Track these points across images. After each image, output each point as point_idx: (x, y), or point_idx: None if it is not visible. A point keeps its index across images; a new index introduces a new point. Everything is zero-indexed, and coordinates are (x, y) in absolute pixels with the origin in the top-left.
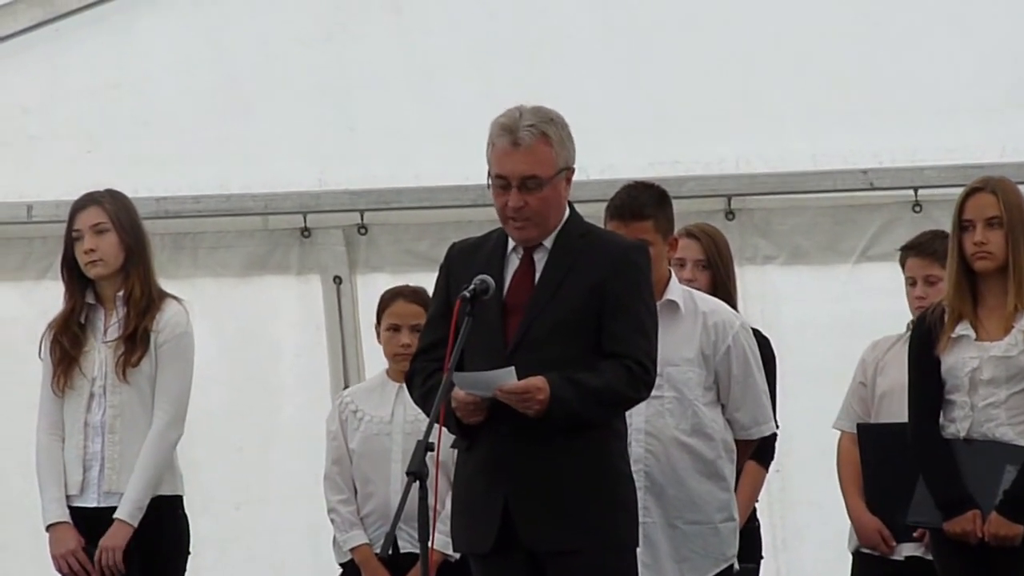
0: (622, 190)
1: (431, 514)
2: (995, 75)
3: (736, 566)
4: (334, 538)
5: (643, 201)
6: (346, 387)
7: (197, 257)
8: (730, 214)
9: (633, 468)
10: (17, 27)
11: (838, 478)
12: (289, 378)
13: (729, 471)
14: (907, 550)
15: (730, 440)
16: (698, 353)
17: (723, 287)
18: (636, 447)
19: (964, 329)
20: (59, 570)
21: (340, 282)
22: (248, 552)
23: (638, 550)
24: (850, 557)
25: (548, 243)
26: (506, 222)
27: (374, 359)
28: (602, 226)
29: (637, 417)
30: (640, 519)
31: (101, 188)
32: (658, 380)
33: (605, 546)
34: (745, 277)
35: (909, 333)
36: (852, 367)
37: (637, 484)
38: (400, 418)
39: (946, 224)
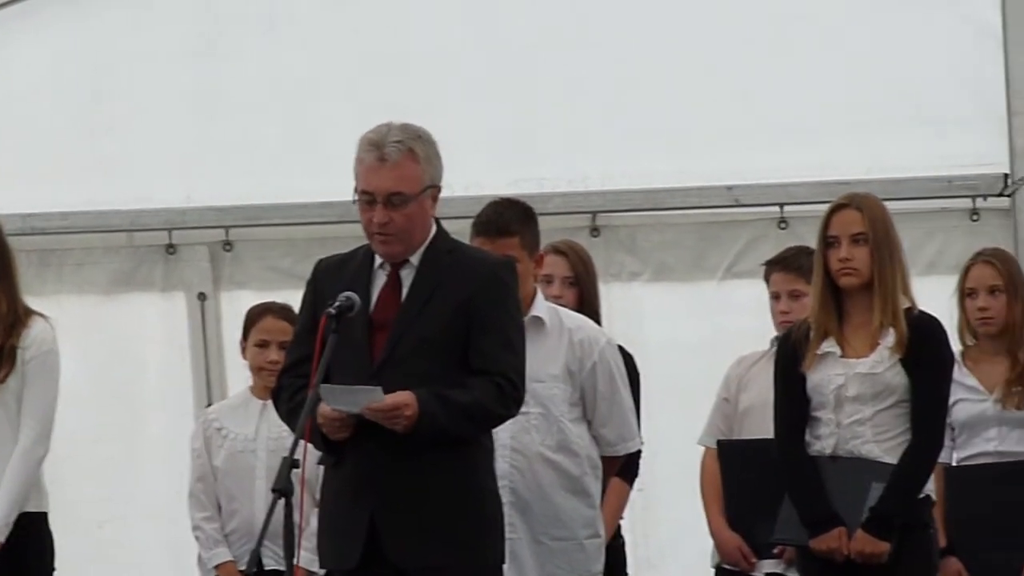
0: (488, 207)
1: (296, 531)
2: (861, 93)
3: None
4: (199, 555)
5: (509, 218)
6: (209, 405)
7: (63, 274)
8: (595, 231)
9: (499, 484)
10: None
11: (701, 494)
12: (153, 395)
13: (595, 487)
14: (767, 566)
15: (596, 457)
16: (564, 369)
17: (589, 304)
18: (502, 463)
19: (830, 346)
20: None
21: (204, 299)
22: (112, 570)
23: (504, 567)
24: (712, 574)
25: (415, 260)
26: (371, 238)
27: (237, 376)
28: (468, 243)
29: (503, 433)
30: (506, 535)
31: None
32: (524, 396)
33: (471, 563)
34: (611, 294)
35: (774, 349)
36: (717, 384)
37: (503, 500)
38: (264, 435)
39: (811, 240)
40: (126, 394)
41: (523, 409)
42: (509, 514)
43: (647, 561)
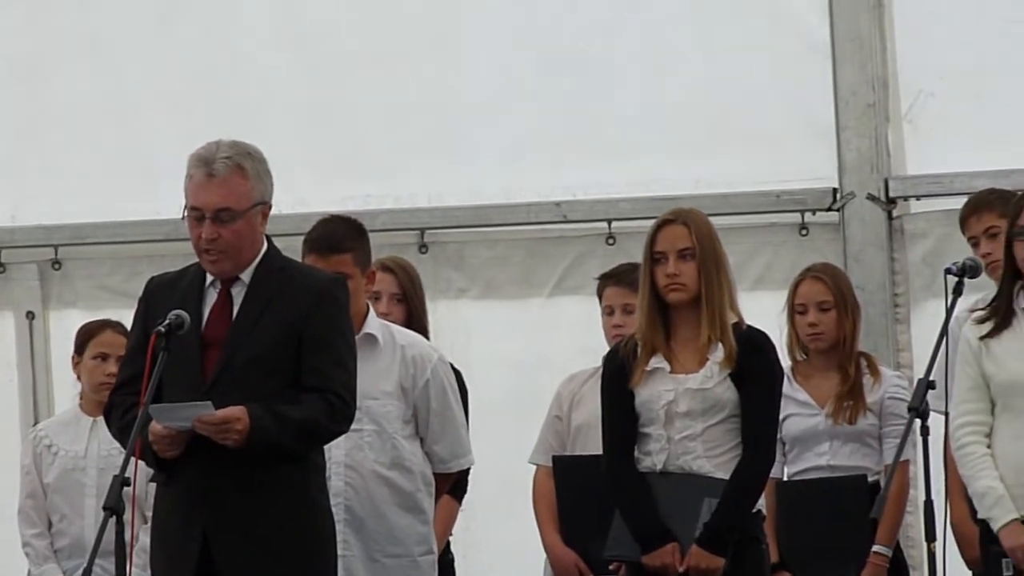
0: (319, 224)
1: (128, 548)
2: (689, 108)
3: None
4: (28, 572)
5: (340, 235)
6: (36, 424)
7: None
8: (423, 247)
9: (333, 502)
10: None
11: (534, 512)
12: None
13: (428, 504)
14: None
15: (429, 473)
16: (397, 386)
17: (418, 320)
18: (336, 480)
19: (658, 362)
20: None
21: (33, 317)
22: None
23: None
24: None
25: (246, 277)
26: (200, 254)
27: (65, 395)
28: (299, 260)
29: (337, 450)
30: (340, 552)
31: None
32: (358, 414)
33: None
34: (437, 310)
35: None
36: (542, 402)
37: (337, 518)
38: (94, 452)
39: (638, 256)
40: None
41: (357, 426)
42: (343, 531)
43: None
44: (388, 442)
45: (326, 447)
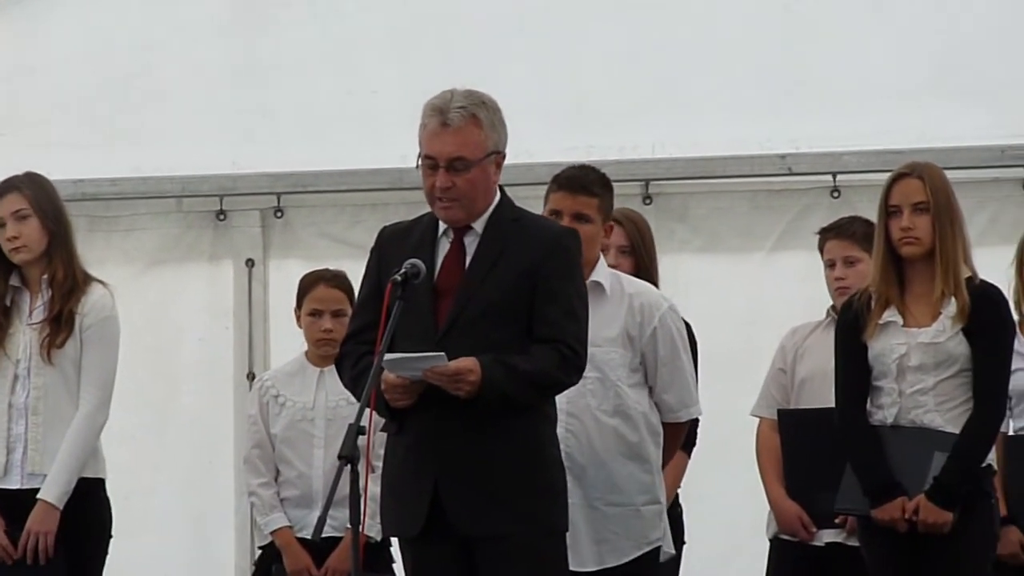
0: (570, 168)
1: (362, 497)
2: (913, 61)
3: (665, 549)
4: (254, 520)
5: (592, 179)
6: (250, 373)
7: (111, 240)
8: (647, 199)
9: None
10: None
11: (758, 465)
12: (191, 363)
13: (654, 454)
14: (827, 536)
15: (656, 423)
16: (622, 333)
17: (646, 272)
18: (558, 427)
19: (891, 315)
20: None
21: (252, 265)
22: (137, 543)
23: None
24: (764, 544)
25: (478, 227)
26: (433, 203)
27: (281, 344)
28: (544, 198)
29: (559, 398)
30: None
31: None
32: None
33: (535, 531)
34: (660, 263)
35: (830, 319)
36: (762, 356)
37: None
38: (322, 403)
39: (863, 210)
40: (163, 362)
41: None
42: None
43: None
44: (611, 389)
45: None
